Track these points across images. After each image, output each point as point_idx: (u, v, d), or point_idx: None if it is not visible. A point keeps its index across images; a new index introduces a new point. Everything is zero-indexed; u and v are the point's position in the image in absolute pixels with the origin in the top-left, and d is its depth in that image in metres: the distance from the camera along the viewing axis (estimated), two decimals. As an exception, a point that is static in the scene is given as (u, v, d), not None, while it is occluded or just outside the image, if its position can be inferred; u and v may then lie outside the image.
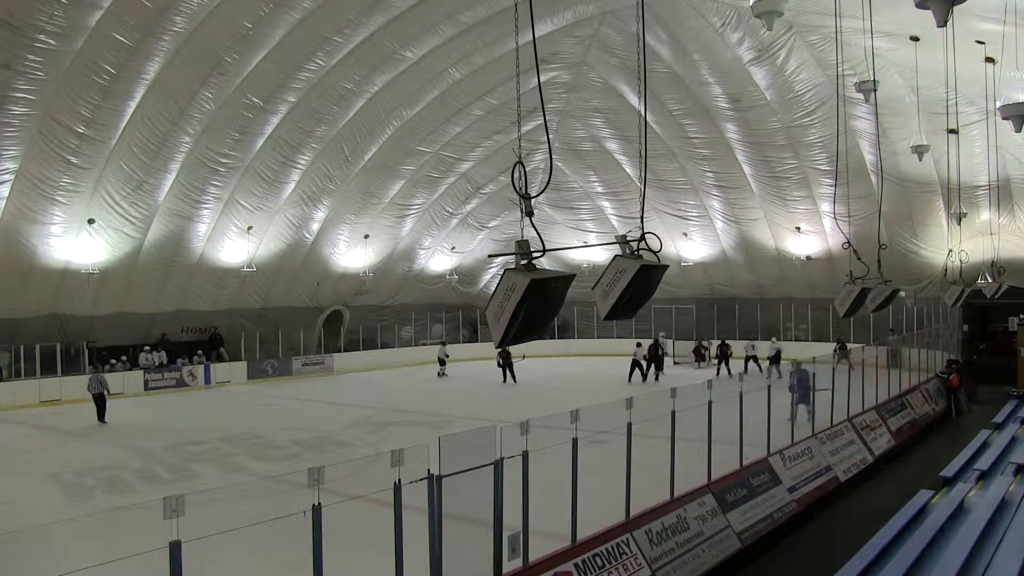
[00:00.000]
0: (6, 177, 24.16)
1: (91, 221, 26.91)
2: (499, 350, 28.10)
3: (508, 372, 30.36)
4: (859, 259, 16.06)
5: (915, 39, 22.05)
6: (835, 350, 28.42)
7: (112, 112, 24.75)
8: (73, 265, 27.50)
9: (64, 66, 22.61)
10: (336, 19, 26.05)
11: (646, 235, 10.16)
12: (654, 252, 10.17)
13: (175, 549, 5.34)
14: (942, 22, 11.61)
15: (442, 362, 33.97)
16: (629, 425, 9.56)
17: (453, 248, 42.05)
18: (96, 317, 29.51)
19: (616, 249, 10.03)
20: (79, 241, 27.18)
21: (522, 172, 8.51)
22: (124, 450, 18.31)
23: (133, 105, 24.98)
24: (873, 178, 29.40)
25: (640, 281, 9.50)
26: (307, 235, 34.64)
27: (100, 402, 23.02)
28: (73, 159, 24.99)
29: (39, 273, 27.01)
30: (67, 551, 5.46)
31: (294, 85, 27.95)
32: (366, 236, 37.10)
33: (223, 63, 25.70)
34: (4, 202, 24.58)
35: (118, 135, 25.40)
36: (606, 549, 8.72)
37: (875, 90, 23.31)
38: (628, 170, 37.61)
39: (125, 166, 26.47)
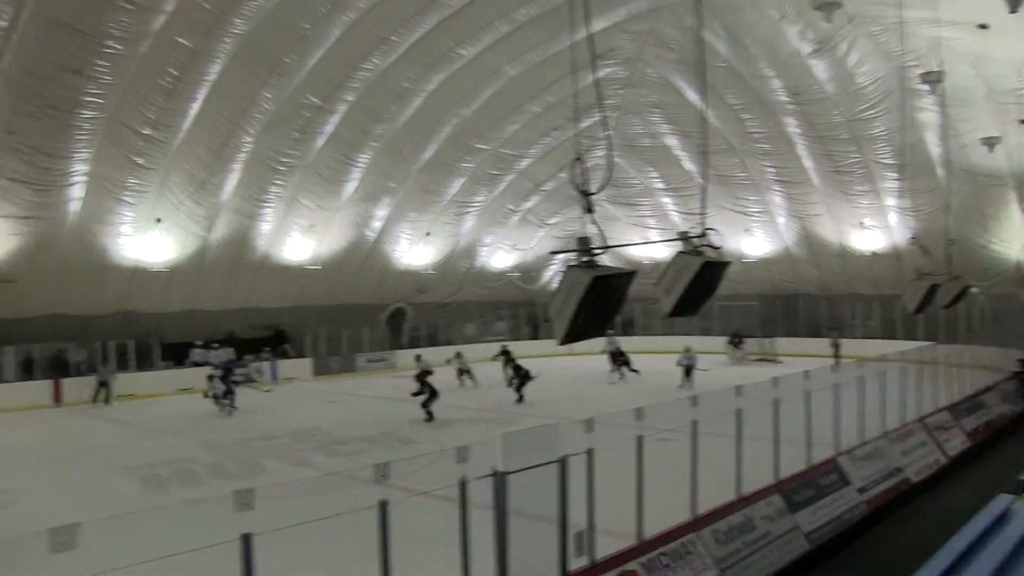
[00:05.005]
0: (78, 179, 24.91)
1: (158, 220, 27.63)
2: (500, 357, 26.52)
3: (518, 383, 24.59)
4: (927, 254, 15.69)
5: (983, 27, 21.43)
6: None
7: (176, 114, 25.37)
8: (143, 264, 28.26)
9: (130, 70, 23.24)
10: (392, 18, 26.32)
11: (707, 231, 10.05)
12: (716, 248, 10.05)
13: (246, 541, 5.43)
14: (1015, 8, 11.24)
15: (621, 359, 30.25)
16: (694, 423, 9.45)
17: (514, 245, 42.11)
18: (166, 314, 30.27)
19: (678, 246, 9.94)
20: (148, 240, 27.92)
21: (582, 169, 8.48)
22: (195, 444, 18.68)
23: (196, 107, 25.57)
24: (940, 171, 28.63)
25: (703, 277, 9.41)
26: (369, 233, 35.04)
27: (107, 387, 26.27)
28: (139, 160, 25.70)
29: (111, 272, 27.84)
30: (142, 541, 5.59)
31: (352, 84, 28.29)
32: (427, 233, 37.44)
33: (282, 64, 26.16)
34: (77, 203, 25.39)
35: (181, 136, 26.01)
36: (672, 548, 8.62)
37: (941, 81, 22.71)
38: (688, 166, 37.26)
39: (189, 166, 27.15)
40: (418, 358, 22.90)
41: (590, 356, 30.76)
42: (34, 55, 21.62)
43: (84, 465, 16.79)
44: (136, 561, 5.26)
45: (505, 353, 25.76)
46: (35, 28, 20.99)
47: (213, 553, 5.38)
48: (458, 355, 29.13)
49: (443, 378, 27.05)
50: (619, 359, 28.72)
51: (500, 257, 42.54)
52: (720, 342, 36.19)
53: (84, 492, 14.09)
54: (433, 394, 21.09)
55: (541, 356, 32.14)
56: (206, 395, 23.86)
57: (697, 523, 9.21)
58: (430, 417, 20.80)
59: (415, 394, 21.22)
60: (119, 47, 22.52)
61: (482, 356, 30.63)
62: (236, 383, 25.12)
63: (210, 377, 24.20)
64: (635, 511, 8.53)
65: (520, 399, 23.85)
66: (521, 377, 24.18)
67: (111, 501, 13.14)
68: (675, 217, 39.91)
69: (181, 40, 23.50)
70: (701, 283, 9.35)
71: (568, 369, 31.52)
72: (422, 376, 21.44)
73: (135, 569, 5.25)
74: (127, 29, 22.22)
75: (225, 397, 23.62)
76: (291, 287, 33.81)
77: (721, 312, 38.38)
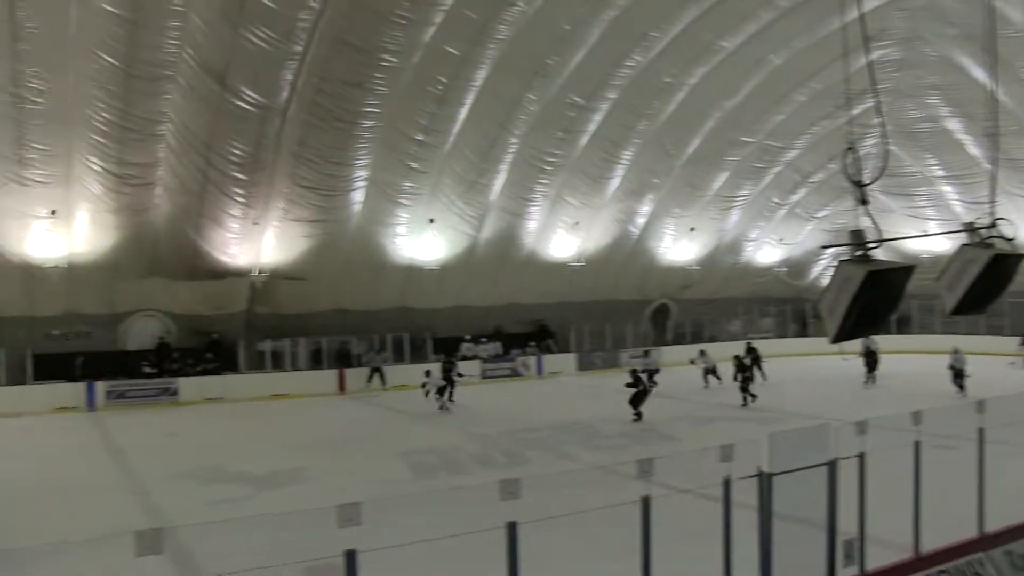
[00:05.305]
0: (360, 184, 27.15)
1: (431, 221, 29.49)
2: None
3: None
4: None
5: None
6: None
7: (446, 119, 26.93)
8: (417, 262, 30.27)
9: (404, 80, 24.98)
10: (651, 14, 26.32)
11: (998, 221, 9.18)
12: (1008, 240, 9.16)
13: (512, 529, 5.68)
14: None
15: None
16: (981, 430, 8.68)
17: (781, 240, 40.66)
18: (437, 310, 32.17)
19: (962, 238, 9.17)
20: (422, 240, 29.89)
21: (854, 159, 8.06)
22: (463, 434, 19.70)
23: (464, 111, 26.99)
24: None
25: (992, 272, 8.64)
26: (633, 229, 35.24)
27: (380, 373, 28.84)
28: (414, 164, 27.56)
29: (389, 270, 30.10)
30: (411, 522, 6.05)
31: (613, 82, 28.58)
32: (692, 229, 37.03)
33: (545, 65, 26.96)
34: (358, 206, 27.68)
35: (451, 140, 27.56)
36: (955, 566, 7.98)
37: None
38: (973, 151, 34.03)
39: (459, 168, 28.73)
40: (646, 353, 22.52)
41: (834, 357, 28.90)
42: (322, 73, 23.96)
43: (363, 449, 18.27)
44: (411, 541, 5.70)
45: (751, 351, 24.83)
46: (323, 49, 23.17)
47: (481, 538, 5.70)
48: (702, 353, 28.32)
49: (690, 377, 26.85)
50: (870, 360, 26.54)
51: (766, 252, 41.13)
52: (1012, 343, 32.78)
53: (364, 473, 15.28)
54: (644, 392, 20.72)
55: (809, 354, 30.82)
56: (422, 387, 24.01)
57: (985, 541, 8.45)
58: (638, 417, 20.44)
59: (628, 385, 20.80)
60: (394, 60, 24.31)
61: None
62: (461, 376, 25.44)
63: (427, 372, 24.36)
64: (911, 522, 7.99)
65: (744, 402, 22.73)
66: (744, 378, 23.17)
67: (386, 483, 14.13)
68: (957, 207, 36.51)
69: (449, 49, 24.94)
70: (990, 278, 8.60)
71: (813, 370, 30.20)
72: (639, 372, 21.41)
73: (410, 548, 5.70)
74: (401, 42, 23.97)
75: (441, 393, 23.58)
76: (555, 283, 34.64)
77: (1012, 310, 34.61)
